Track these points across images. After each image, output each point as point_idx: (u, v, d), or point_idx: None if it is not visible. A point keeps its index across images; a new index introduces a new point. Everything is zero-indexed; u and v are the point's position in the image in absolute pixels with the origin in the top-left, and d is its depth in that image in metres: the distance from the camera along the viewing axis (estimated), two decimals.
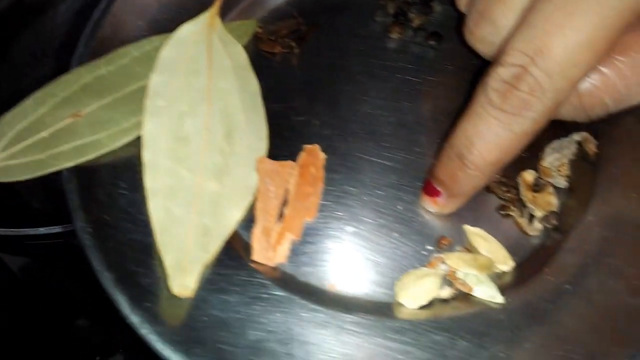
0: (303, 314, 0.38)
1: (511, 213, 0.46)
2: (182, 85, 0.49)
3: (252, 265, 0.42)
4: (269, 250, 0.42)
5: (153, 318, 0.37)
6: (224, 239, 0.42)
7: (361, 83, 0.49)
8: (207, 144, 0.47)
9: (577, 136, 0.48)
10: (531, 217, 0.44)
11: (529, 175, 0.47)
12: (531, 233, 0.43)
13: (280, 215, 0.43)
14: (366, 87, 0.49)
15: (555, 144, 0.48)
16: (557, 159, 0.47)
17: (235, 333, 0.37)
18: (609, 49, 0.34)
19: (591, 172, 0.45)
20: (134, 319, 0.37)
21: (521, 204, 0.44)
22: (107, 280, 0.39)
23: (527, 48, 0.34)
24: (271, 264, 0.41)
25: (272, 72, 0.50)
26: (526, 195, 0.46)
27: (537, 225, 0.45)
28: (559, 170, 0.47)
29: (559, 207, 0.44)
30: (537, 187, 0.46)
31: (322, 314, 0.39)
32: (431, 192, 0.44)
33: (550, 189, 0.44)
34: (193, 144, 0.47)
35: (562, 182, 0.45)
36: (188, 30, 0.51)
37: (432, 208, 0.44)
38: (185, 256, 0.41)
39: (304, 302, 0.39)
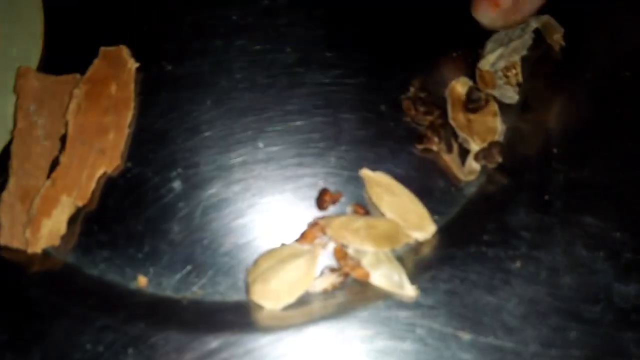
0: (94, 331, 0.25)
1: (433, 147, 0.29)
2: None
3: (4, 254, 0.27)
4: (26, 228, 0.26)
5: None
6: None
7: None
8: None
9: (534, 22, 0.31)
10: (464, 151, 0.30)
11: (460, 86, 0.30)
12: (463, 177, 0.30)
13: (54, 166, 0.25)
14: None
15: (501, 34, 0.31)
16: (502, 57, 0.30)
17: None
18: None
19: (554, 77, 0.31)
20: None
21: (449, 133, 0.30)
22: None
23: None
24: (31, 249, 0.27)
25: None
26: (456, 118, 0.29)
27: (473, 165, 0.29)
28: (506, 76, 0.30)
29: (506, 135, 0.30)
30: (472, 105, 0.29)
31: (118, 333, 0.25)
32: None
33: (493, 107, 0.30)
34: None
35: (511, 94, 0.30)
36: None
37: (492, 15, 0.31)
38: None
39: (94, 313, 0.26)
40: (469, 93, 0.30)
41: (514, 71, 0.31)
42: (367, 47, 0.32)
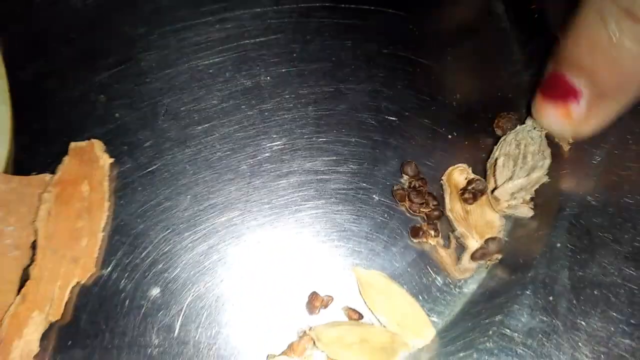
0: None
1: (429, 241, 0.27)
2: None
3: None
4: None
5: None
6: None
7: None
8: None
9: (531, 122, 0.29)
10: (459, 247, 0.28)
11: (458, 173, 0.28)
12: (458, 276, 0.28)
13: (25, 278, 0.23)
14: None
15: (511, 144, 0.28)
16: (523, 189, 0.27)
17: None
18: None
19: (561, 177, 0.28)
20: None
21: (445, 226, 0.29)
22: None
23: None
24: None
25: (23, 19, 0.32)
26: (454, 209, 0.27)
27: (468, 264, 0.27)
28: (523, 199, 0.28)
29: (507, 230, 0.28)
30: (468, 195, 0.27)
31: None
32: (562, 93, 0.26)
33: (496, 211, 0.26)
34: None
35: (526, 211, 0.28)
36: None
37: (561, 126, 0.27)
38: None
39: None
40: (468, 182, 0.28)
41: (529, 196, 0.28)
42: (356, 129, 0.30)
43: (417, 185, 0.28)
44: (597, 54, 0.24)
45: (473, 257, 0.27)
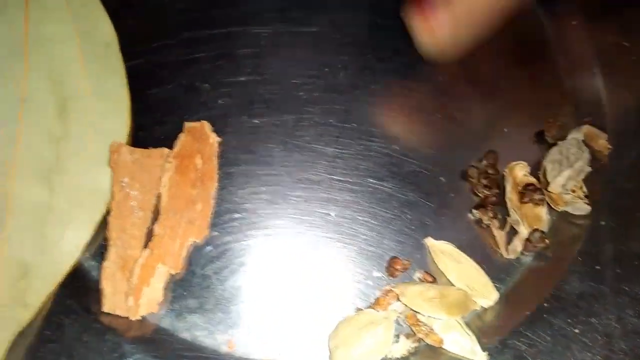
0: None
1: (485, 219, 0.31)
2: None
3: (104, 319, 0.29)
4: (129, 296, 0.29)
5: None
6: (55, 283, 0.29)
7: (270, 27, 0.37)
8: (26, 122, 0.30)
9: (577, 134, 0.34)
10: (511, 230, 0.32)
11: (519, 169, 0.32)
12: (506, 255, 0.32)
13: (149, 237, 0.26)
14: (278, 35, 0.37)
15: (555, 154, 0.33)
16: (570, 179, 0.32)
17: None
18: None
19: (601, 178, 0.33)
20: None
21: (502, 210, 0.32)
22: None
23: None
24: (133, 317, 0.29)
25: (138, 9, 0.36)
26: (512, 198, 0.32)
27: (517, 247, 0.31)
28: (573, 191, 0.32)
29: (550, 227, 0.32)
30: (526, 199, 0.32)
31: None
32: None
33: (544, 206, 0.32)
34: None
35: (583, 207, 0.32)
36: None
37: (425, 36, 0.30)
38: None
39: None
40: (527, 187, 0.31)
41: (579, 185, 0.32)
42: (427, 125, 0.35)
43: (490, 171, 0.32)
44: None
45: (525, 246, 0.31)
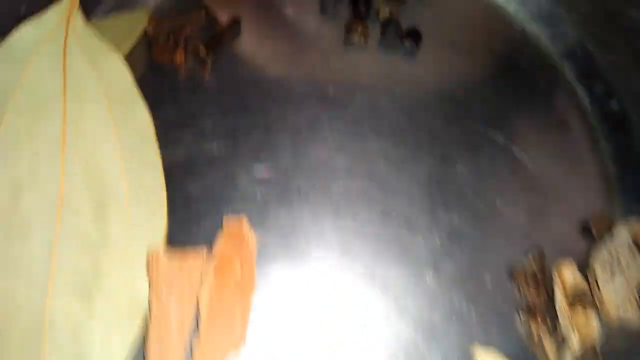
0: None
1: (534, 328, 0.30)
2: (20, 128, 0.30)
3: None
4: None
5: None
6: None
7: (308, 112, 0.36)
8: (63, 229, 0.29)
9: (624, 232, 0.32)
10: (561, 340, 0.30)
11: (566, 268, 0.31)
12: None
13: (188, 349, 0.26)
14: (316, 119, 0.36)
15: (604, 254, 0.32)
16: (621, 286, 0.31)
17: None
18: None
19: None
20: None
21: (551, 319, 0.31)
22: None
23: None
24: None
25: (173, 96, 0.35)
26: (562, 305, 0.30)
27: (567, 358, 0.30)
28: (629, 301, 0.31)
29: (604, 340, 0.30)
30: (574, 301, 0.30)
31: None
32: None
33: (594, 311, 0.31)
34: (35, 230, 0.28)
35: (633, 316, 0.31)
36: (29, 34, 0.31)
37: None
38: None
39: None
40: (576, 292, 0.30)
41: (633, 295, 0.31)
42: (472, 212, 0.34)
43: (537, 272, 0.31)
44: None
45: (574, 355, 0.29)
